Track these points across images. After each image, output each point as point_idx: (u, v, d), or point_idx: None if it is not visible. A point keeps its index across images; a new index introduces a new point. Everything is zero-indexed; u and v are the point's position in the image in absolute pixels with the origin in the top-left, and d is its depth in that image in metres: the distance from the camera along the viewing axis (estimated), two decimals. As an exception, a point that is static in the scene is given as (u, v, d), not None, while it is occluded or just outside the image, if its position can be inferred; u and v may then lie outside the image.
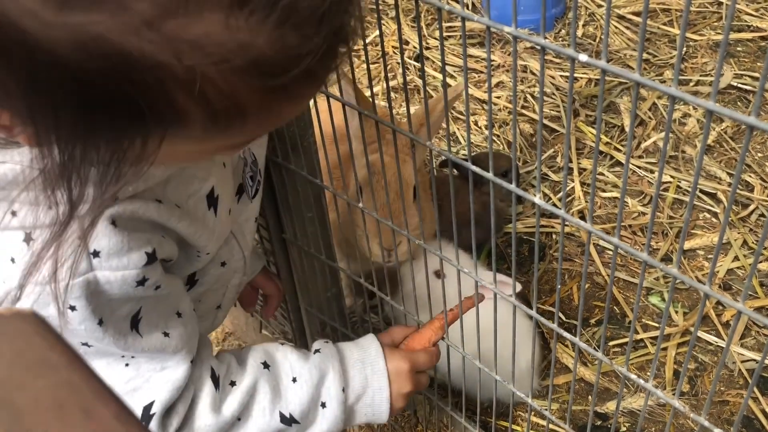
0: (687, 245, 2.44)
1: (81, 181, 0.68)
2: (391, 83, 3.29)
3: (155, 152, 0.69)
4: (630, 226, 2.53)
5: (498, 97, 3.10)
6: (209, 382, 1.13)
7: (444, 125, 1.75)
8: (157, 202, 0.95)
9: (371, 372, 1.25)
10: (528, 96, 3.09)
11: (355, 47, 3.54)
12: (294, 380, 1.20)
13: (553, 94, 3.07)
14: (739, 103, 2.93)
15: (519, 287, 1.50)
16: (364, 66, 3.30)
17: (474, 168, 1.04)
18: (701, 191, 2.60)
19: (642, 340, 2.21)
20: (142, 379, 1.06)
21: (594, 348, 2.12)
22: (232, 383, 1.16)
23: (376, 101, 2.77)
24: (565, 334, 1.08)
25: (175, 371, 1.07)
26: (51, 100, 0.62)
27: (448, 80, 3.19)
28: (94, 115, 0.64)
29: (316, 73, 0.72)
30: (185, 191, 1.01)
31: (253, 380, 1.17)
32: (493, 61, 3.29)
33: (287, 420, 1.18)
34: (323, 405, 1.21)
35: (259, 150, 1.30)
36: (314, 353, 1.27)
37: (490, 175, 1.04)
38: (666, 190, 2.63)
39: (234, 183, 1.19)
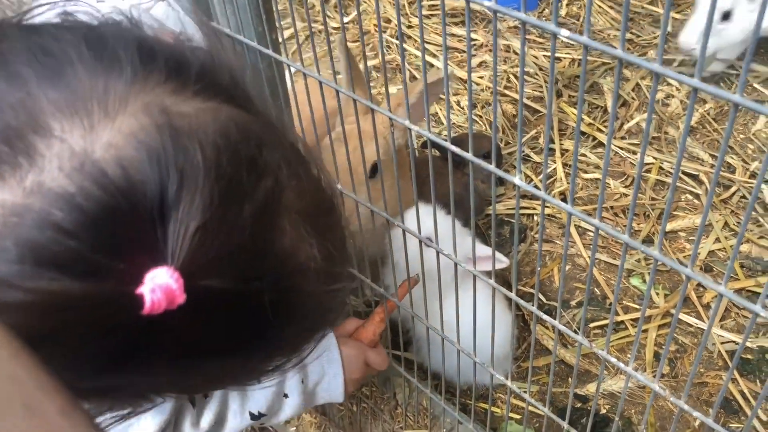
0: (669, 227, 2.43)
1: None
2: (373, 62, 3.25)
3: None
4: (612, 207, 2.52)
5: (481, 77, 3.07)
6: (188, 404, 1.20)
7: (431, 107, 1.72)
8: None
9: (327, 361, 1.34)
10: (511, 76, 3.06)
11: (335, 25, 3.48)
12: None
13: (536, 74, 3.05)
14: (722, 84, 2.92)
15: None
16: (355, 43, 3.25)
17: (453, 148, 1.01)
18: (683, 173, 2.59)
19: (623, 321, 2.21)
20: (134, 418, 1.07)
21: (574, 330, 2.11)
22: (205, 395, 1.22)
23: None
24: (545, 317, 1.06)
25: (164, 406, 1.13)
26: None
27: (431, 59, 3.15)
28: None
29: None
30: None
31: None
32: (476, 40, 3.25)
33: (256, 417, 1.27)
34: (286, 395, 1.30)
35: None
36: None
37: (469, 155, 1.01)
38: (648, 171, 2.62)
39: None
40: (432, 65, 3.11)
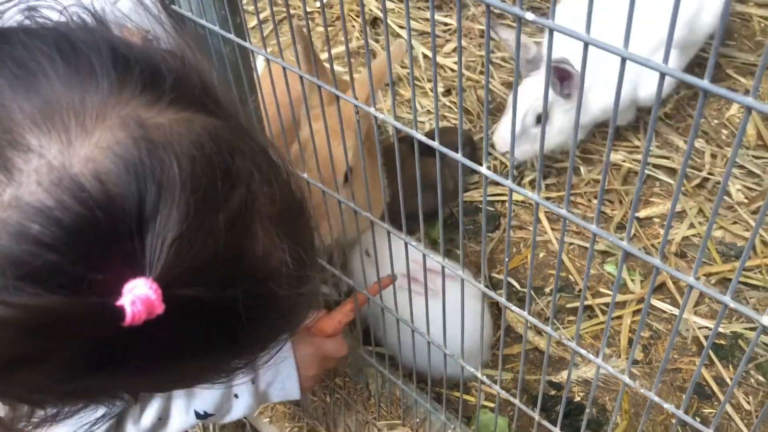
0: (643, 213, 2.43)
1: None
2: (341, 48, 3.20)
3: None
4: (586, 193, 2.51)
5: (455, 63, 3.04)
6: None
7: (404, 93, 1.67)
8: None
9: (280, 361, 1.31)
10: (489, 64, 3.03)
11: (310, 10, 3.44)
12: None
13: (511, 59, 3.02)
14: (696, 69, 2.92)
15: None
16: (320, 29, 3.21)
17: (419, 137, 0.99)
18: (657, 157, 2.59)
19: (598, 306, 2.20)
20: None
21: (546, 318, 2.10)
22: None
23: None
24: (514, 309, 1.04)
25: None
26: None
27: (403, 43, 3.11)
28: None
29: None
30: None
31: None
32: (450, 25, 3.22)
33: (202, 416, 1.25)
34: (236, 396, 1.29)
35: None
36: None
37: (435, 144, 0.98)
38: (623, 159, 2.62)
39: None
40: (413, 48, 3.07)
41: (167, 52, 0.73)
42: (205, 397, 1.26)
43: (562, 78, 2.19)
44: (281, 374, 1.33)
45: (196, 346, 0.68)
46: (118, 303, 0.57)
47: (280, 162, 0.77)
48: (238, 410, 1.30)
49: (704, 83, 0.61)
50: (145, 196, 0.59)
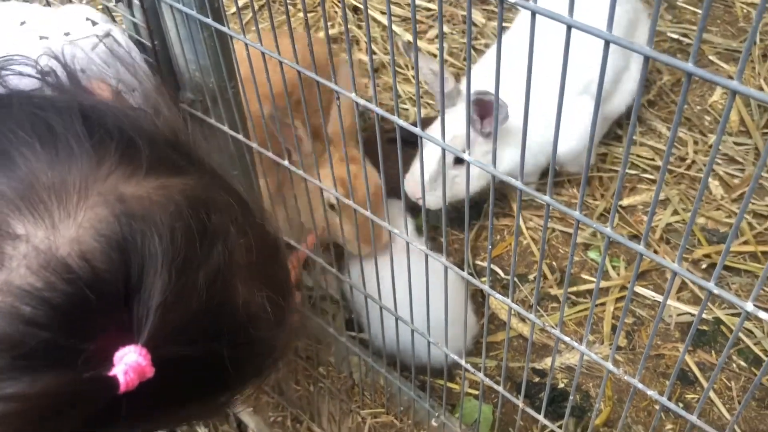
0: (627, 201, 2.43)
1: None
2: (330, 32, 3.17)
3: None
4: (569, 180, 2.51)
5: (438, 49, 3.02)
6: None
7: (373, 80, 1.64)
8: None
9: None
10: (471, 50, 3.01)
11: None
12: None
13: (493, 45, 3.00)
14: (678, 55, 2.92)
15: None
16: (300, 15, 3.17)
17: (401, 122, 0.97)
18: (641, 145, 2.59)
19: (582, 294, 2.21)
20: None
21: (530, 306, 2.10)
22: None
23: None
24: (498, 296, 1.03)
25: None
26: None
27: (396, 29, 3.08)
28: None
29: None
30: None
31: None
32: (433, 10, 3.19)
33: None
34: None
35: None
36: None
37: (418, 130, 0.97)
38: (609, 145, 2.61)
39: None
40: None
41: (140, 111, 0.76)
42: None
43: (482, 115, 2.02)
44: None
45: (186, 396, 0.71)
46: (111, 373, 0.60)
47: (253, 205, 0.81)
48: None
49: (688, 66, 0.60)
50: (129, 270, 0.62)
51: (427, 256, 1.12)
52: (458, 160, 2.09)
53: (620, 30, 2.28)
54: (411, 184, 2.03)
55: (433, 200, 2.01)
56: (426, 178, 1.99)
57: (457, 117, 2.00)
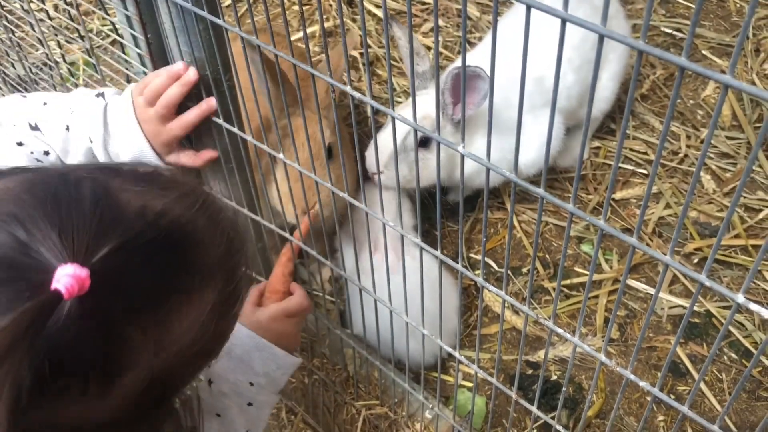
0: (620, 194, 2.44)
1: None
2: (325, 25, 3.17)
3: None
4: (561, 173, 2.52)
5: (433, 42, 3.02)
6: None
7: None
8: None
9: (258, 351, 1.33)
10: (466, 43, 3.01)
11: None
12: (218, 415, 1.27)
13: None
14: (672, 49, 2.93)
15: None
16: (296, 8, 3.17)
17: (395, 114, 0.98)
18: (634, 139, 2.60)
19: (575, 287, 2.22)
20: None
21: (523, 298, 2.11)
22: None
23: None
24: (492, 289, 1.04)
25: None
26: None
27: (383, 25, 3.08)
28: None
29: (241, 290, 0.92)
30: None
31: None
32: (428, 3, 3.19)
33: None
34: (250, 404, 1.30)
35: None
36: (210, 385, 1.31)
37: (412, 122, 0.97)
38: (603, 139, 2.62)
39: None
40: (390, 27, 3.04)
41: None
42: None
43: (457, 98, 1.91)
44: (268, 359, 1.34)
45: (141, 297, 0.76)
46: (52, 288, 0.67)
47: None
48: (265, 410, 1.34)
49: (681, 60, 0.61)
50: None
51: (421, 249, 1.13)
52: (422, 143, 1.98)
53: (589, 44, 2.18)
54: (369, 158, 1.97)
55: (389, 178, 1.92)
56: (386, 155, 1.93)
57: (428, 99, 1.93)
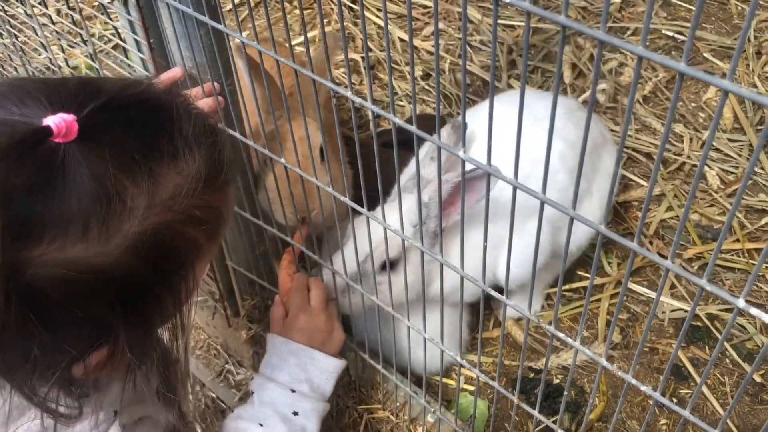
0: (622, 197, 2.44)
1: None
2: (326, 29, 3.17)
3: (196, 285, 0.97)
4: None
5: (434, 46, 3.02)
6: None
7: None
8: None
9: (293, 357, 1.36)
10: (466, 45, 3.02)
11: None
12: (261, 425, 1.30)
13: (490, 42, 3.01)
14: (673, 52, 2.93)
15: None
16: (297, 12, 3.17)
17: (395, 120, 0.98)
18: (634, 141, 2.60)
19: (578, 291, 2.22)
20: None
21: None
22: None
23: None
24: (494, 294, 1.04)
25: None
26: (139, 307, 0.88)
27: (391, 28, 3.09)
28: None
29: (229, 161, 0.99)
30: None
31: None
32: (429, 7, 3.20)
33: None
34: (295, 413, 1.32)
35: None
36: (252, 395, 1.36)
37: (413, 128, 0.97)
38: (602, 141, 2.62)
39: None
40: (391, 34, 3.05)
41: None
42: None
43: (446, 204, 1.57)
44: (305, 364, 1.37)
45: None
46: (44, 124, 0.77)
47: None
48: (310, 418, 1.33)
49: (681, 66, 0.61)
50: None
51: (422, 253, 1.13)
52: (385, 267, 1.59)
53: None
54: (328, 281, 1.58)
55: (349, 305, 1.61)
56: (340, 282, 1.57)
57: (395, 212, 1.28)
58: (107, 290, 0.83)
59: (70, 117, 0.79)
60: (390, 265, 1.54)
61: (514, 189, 0.87)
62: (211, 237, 0.95)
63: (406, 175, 1.78)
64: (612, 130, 2.65)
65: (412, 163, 1.76)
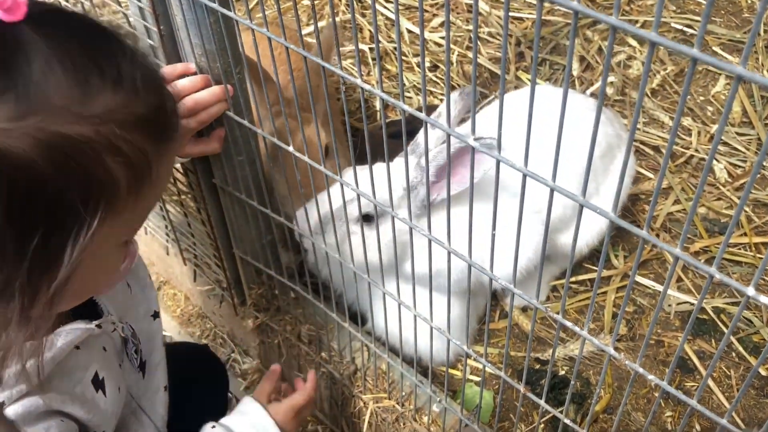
0: (630, 190, 2.43)
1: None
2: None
3: (95, 243, 0.85)
4: (573, 170, 2.51)
5: (442, 38, 3.02)
6: None
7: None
8: (46, 395, 1.02)
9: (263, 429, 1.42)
10: (477, 37, 3.01)
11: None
12: None
13: (499, 35, 3.00)
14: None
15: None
16: (306, 2, 3.17)
17: (406, 107, 0.98)
18: (644, 134, 2.59)
19: (584, 283, 2.22)
20: None
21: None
22: None
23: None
24: (502, 283, 1.04)
25: None
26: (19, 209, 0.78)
27: (395, 16, 3.08)
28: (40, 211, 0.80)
29: (173, 123, 0.96)
30: (70, 382, 1.08)
31: None
32: (438, -1, 3.19)
33: None
34: None
35: (139, 324, 1.34)
36: None
37: (423, 115, 0.98)
38: (609, 133, 2.62)
39: (118, 362, 1.25)
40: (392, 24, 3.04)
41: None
42: None
43: (440, 174, 1.55)
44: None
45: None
46: None
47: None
48: None
49: (694, 51, 0.61)
50: None
51: (430, 242, 1.13)
52: (366, 218, 1.60)
53: (598, 150, 1.93)
54: (300, 219, 1.57)
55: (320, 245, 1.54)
56: (315, 219, 1.52)
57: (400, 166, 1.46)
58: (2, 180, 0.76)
59: None
60: (367, 218, 1.59)
61: (524, 176, 0.87)
62: (131, 186, 0.87)
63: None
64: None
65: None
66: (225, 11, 1.19)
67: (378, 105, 2.68)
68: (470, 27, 3.05)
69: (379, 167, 1.27)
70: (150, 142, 0.88)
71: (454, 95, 1.66)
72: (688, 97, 2.69)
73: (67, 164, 0.79)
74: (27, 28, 0.80)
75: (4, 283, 0.81)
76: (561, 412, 1.16)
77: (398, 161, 1.63)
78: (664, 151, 2.55)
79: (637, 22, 3.02)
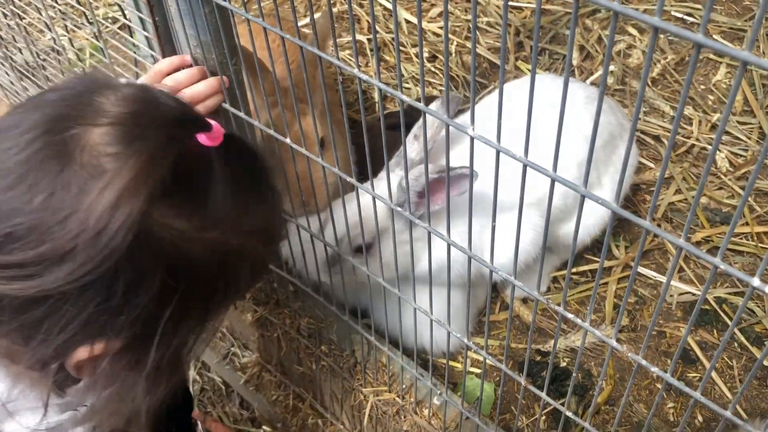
0: (632, 180, 2.42)
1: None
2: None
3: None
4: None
5: (441, 28, 3.00)
6: None
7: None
8: None
9: None
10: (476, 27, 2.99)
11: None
12: None
13: (497, 24, 2.98)
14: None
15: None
16: (302, -6, 3.15)
17: (405, 98, 0.96)
18: (645, 123, 2.57)
19: (585, 274, 2.21)
20: None
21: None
22: None
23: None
24: (502, 274, 1.03)
25: None
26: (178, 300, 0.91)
27: (394, 8, 3.06)
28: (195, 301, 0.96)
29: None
30: None
31: None
32: (437, -11, 3.16)
33: None
34: None
35: None
36: None
37: (422, 105, 0.96)
38: (610, 123, 2.60)
39: None
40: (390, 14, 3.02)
41: None
42: None
43: (423, 193, 1.53)
44: None
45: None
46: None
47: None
48: None
49: (698, 37, 0.59)
50: None
51: (429, 234, 1.12)
52: (359, 249, 1.63)
53: (600, 140, 1.91)
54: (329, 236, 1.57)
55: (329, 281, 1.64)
56: (321, 262, 1.59)
57: (382, 189, 1.33)
58: (179, 275, 0.89)
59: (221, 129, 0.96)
60: (358, 249, 1.64)
61: (524, 167, 0.86)
62: (233, 288, 1.04)
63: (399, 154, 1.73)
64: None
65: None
66: (220, 1, 1.17)
67: (376, 96, 2.67)
68: (469, 17, 3.02)
69: (365, 197, 1.27)
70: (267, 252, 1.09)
71: (436, 103, 1.67)
72: (689, 85, 2.68)
73: (227, 266, 0.98)
74: (215, 153, 0.94)
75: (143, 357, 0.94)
76: (562, 404, 1.15)
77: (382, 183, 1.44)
78: (664, 140, 2.53)
79: (637, 10, 3.00)
